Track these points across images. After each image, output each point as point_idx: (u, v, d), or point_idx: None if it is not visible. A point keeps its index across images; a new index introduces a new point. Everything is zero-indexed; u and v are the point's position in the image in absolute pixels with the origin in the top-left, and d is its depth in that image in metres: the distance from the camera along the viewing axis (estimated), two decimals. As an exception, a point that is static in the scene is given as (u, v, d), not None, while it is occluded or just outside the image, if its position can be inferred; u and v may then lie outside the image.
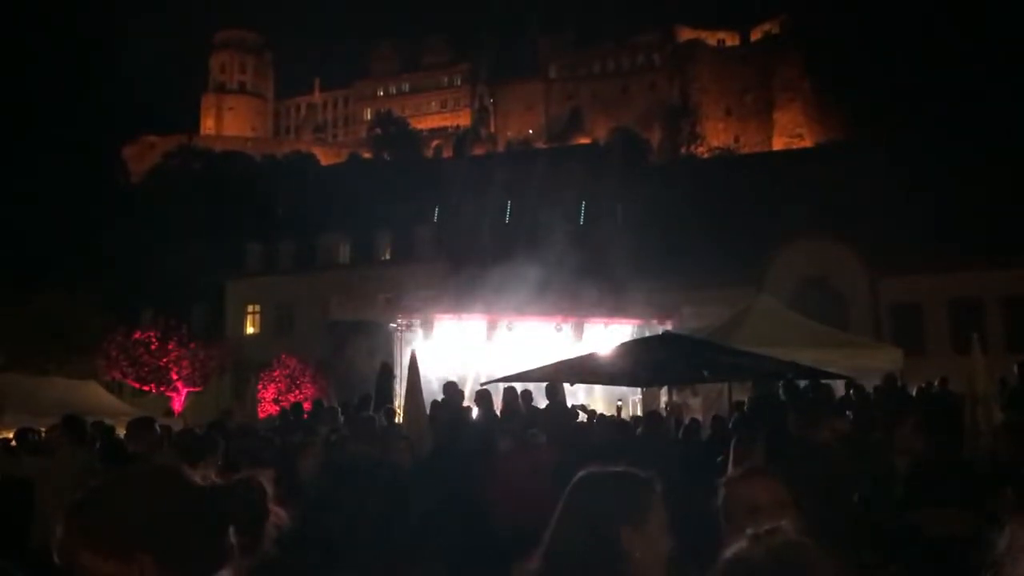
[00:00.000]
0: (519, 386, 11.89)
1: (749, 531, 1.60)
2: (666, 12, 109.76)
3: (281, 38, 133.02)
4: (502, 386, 11.92)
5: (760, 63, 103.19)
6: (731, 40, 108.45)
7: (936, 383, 14.88)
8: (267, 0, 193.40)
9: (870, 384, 13.56)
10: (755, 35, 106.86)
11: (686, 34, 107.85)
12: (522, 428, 9.03)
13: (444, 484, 7.30)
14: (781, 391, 11.20)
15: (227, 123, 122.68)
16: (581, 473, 2.12)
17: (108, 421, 16.02)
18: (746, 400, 12.17)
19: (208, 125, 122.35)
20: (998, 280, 33.06)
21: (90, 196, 77.07)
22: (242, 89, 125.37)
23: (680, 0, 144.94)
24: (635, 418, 13.32)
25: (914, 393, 14.48)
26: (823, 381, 11.46)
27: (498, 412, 11.42)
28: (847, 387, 13.15)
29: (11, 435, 13.67)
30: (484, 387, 11.95)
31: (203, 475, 1.61)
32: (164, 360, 36.14)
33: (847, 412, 10.22)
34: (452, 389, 12.50)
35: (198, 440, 6.86)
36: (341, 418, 12.34)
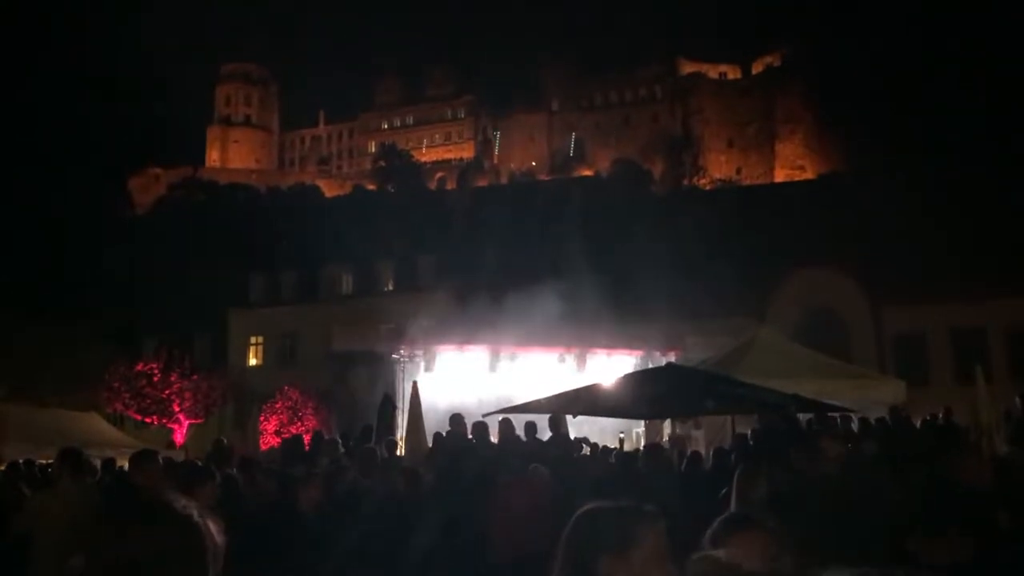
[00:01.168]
0: (523, 417, 11.84)
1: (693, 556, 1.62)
2: (668, 45, 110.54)
3: (286, 71, 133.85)
4: (502, 417, 11.88)
5: (761, 95, 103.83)
6: (733, 73, 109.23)
7: (940, 415, 14.82)
8: (273, 34, 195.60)
9: (874, 416, 13.52)
10: (756, 68, 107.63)
11: (688, 67, 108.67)
12: (524, 461, 8.99)
13: (445, 516, 7.26)
14: (784, 423, 11.14)
15: (232, 155, 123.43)
16: (581, 507, 2.12)
17: (109, 453, 15.99)
18: (749, 432, 12.12)
19: (213, 157, 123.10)
20: (1002, 311, 33.01)
21: (95, 227, 77.45)
22: (247, 122, 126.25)
23: (682, 34, 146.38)
24: (638, 450, 13.27)
25: (919, 424, 14.43)
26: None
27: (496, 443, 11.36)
28: (844, 419, 13.10)
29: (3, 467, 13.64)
30: (485, 419, 11.90)
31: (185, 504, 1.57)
32: (166, 392, 36.06)
33: (848, 444, 10.16)
34: (458, 421, 12.42)
35: (194, 471, 6.83)
36: (342, 450, 12.28)
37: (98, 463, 13.55)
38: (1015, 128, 71.19)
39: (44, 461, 14.07)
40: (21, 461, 13.90)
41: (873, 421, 13.41)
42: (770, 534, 2.59)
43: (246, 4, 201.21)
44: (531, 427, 11.83)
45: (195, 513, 1.55)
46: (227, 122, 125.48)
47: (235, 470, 9.48)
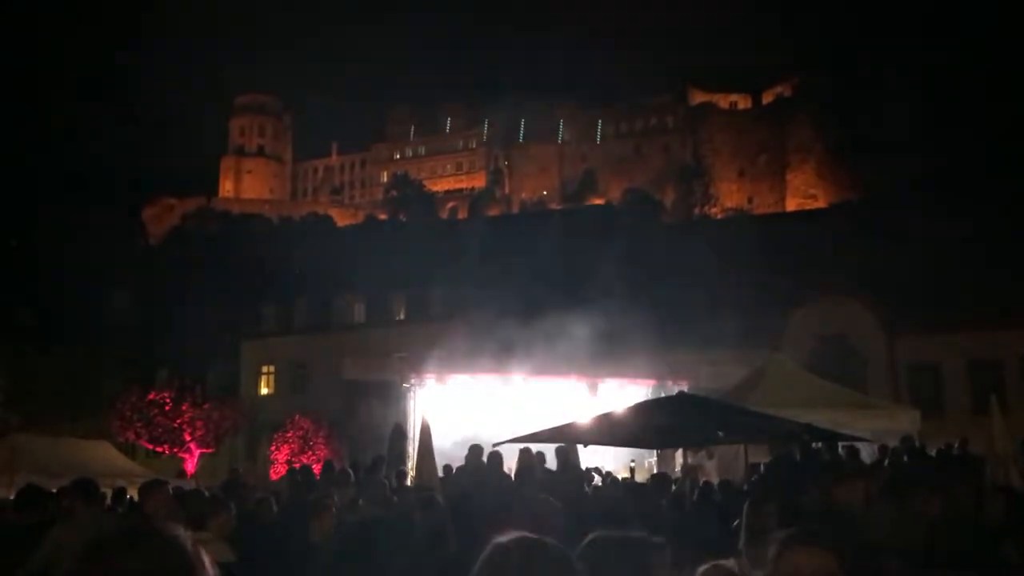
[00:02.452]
0: (534, 447, 11.78)
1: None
2: (678, 75, 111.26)
3: (299, 102, 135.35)
4: (517, 447, 11.81)
5: (772, 125, 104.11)
6: (743, 103, 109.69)
7: (956, 445, 14.66)
8: (286, 65, 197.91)
9: (890, 446, 13.40)
10: (767, 98, 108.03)
11: (698, 97, 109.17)
12: (536, 491, 8.94)
13: (455, 548, 7.21)
14: (797, 453, 11.06)
15: (245, 185, 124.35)
16: (590, 535, 2.10)
17: (120, 483, 15.98)
18: (762, 463, 12.03)
19: (227, 187, 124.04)
20: (1017, 341, 32.74)
21: (109, 256, 77.98)
22: (261, 152, 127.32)
23: (692, 63, 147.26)
24: (649, 480, 13.17)
25: (934, 454, 14.28)
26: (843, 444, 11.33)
27: (512, 474, 11.29)
28: (850, 451, 12.96)
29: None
30: (497, 448, 11.85)
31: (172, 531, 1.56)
32: (178, 421, 36.10)
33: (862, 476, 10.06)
34: (476, 452, 12.33)
35: (209, 502, 6.81)
36: (352, 480, 12.23)
37: (108, 493, 13.52)
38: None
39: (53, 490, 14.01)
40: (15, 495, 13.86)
41: (888, 452, 13.28)
42: (832, 553, 2.53)
43: (260, 36, 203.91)
44: (540, 456, 11.77)
45: (185, 539, 1.54)
46: (241, 152, 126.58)
47: (249, 500, 9.46)
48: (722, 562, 2.11)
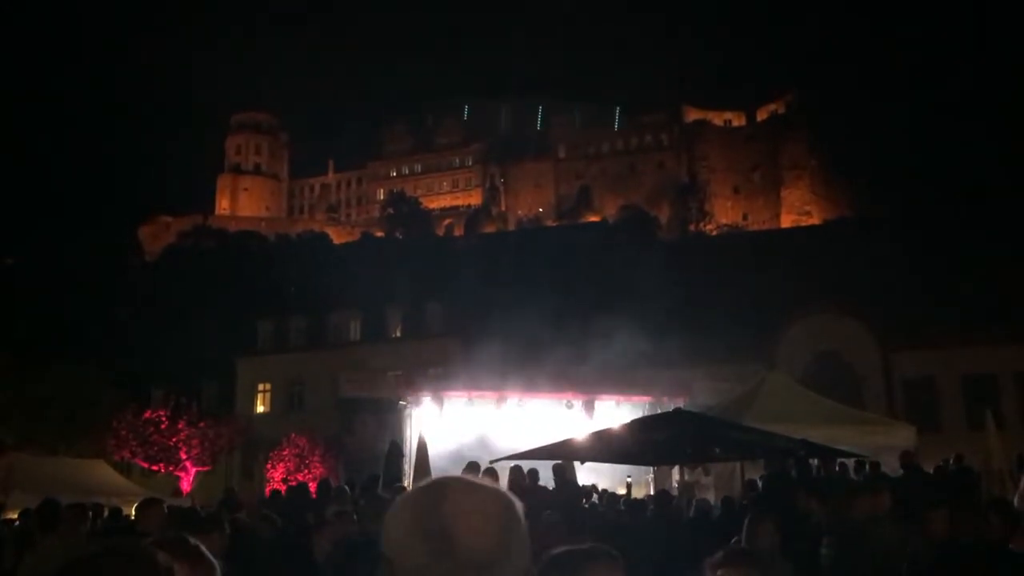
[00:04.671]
0: (526, 464, 11.77)
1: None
2: (673, 93, 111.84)
3: (296, 120, 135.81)
4: (512, 464, 11.82)
5: (767, 142, 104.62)
6: (737, 120, 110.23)
7: (952, 460, 14.66)
8: (282, 83, 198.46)
9: (885, 462, 13.39)
10: (761, 115, 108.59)
11: (693, 114, 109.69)
12: (535, 508, 8.94)
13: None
14: (793, 469, 11.07)
15: (242, 203, 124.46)
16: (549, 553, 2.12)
17: (115, 501, 15.93)
18: (759, 479, 12.03)
19: (223, 205, 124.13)
20: (1012, 356, 32.80)
21: (104, 275, 77.85)
22: (257, 170, 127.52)
23: (687, 81, 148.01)
24: (648, 496, 13.17)
25: (932, 471, 14.28)
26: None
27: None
28: (859, 465, 12.97)
29: (15, 516, 13.59)
30: (493, 465, 11.85)
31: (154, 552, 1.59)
32: (173, 439, 35.99)
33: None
34: (472, 470, 12.33)
35: (202, 520, 6.80)
36: (349, 497, 12.21)
37: (105, 511, 13.48)
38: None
39: (13, 516, 13.98)
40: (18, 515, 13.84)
41: (883, 468, 13.28)
42: (759, 570, 2.63)
43: (256, 55, 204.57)
44: (534, 474, 11.76)
45: (158, 554, 1.57)
46: (237, 170, 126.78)
47: (246, 517, 9.45)
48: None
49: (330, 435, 37.14)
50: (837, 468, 12.17)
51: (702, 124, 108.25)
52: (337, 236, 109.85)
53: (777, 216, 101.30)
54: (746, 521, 5.68)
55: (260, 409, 45.46)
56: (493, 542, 1.37)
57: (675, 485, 13.53)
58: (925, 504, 6.01)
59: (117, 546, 1.58)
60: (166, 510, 8.18)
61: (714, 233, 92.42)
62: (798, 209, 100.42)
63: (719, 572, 2.77)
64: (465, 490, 1.42)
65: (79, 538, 7.76)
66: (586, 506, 11.83)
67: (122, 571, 1.49)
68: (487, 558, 1.36)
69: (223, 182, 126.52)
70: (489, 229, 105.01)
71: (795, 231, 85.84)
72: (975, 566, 4.99)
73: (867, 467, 12.99)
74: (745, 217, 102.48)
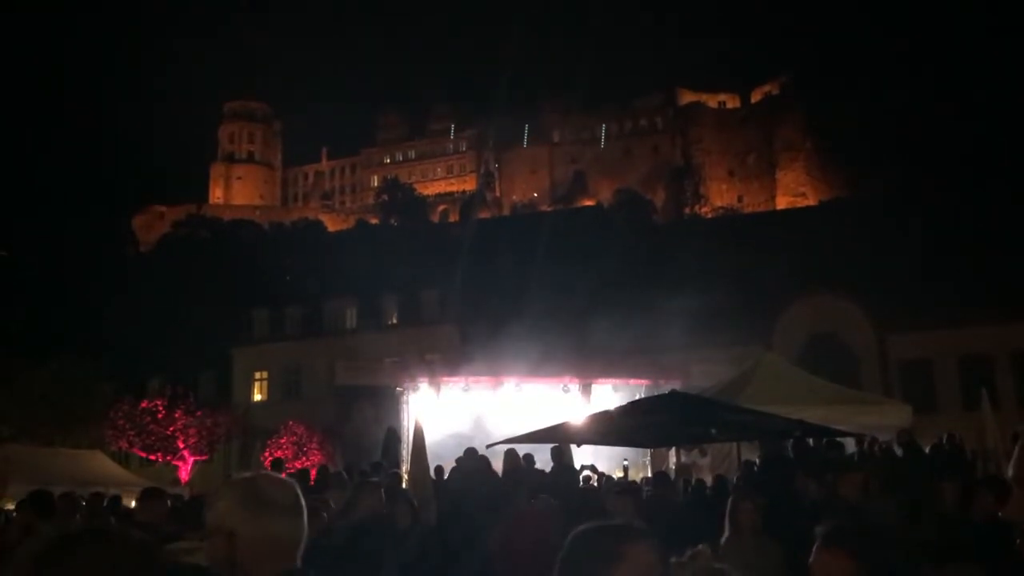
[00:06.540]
0: (522, 448, 11.77)
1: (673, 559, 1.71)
2: (667, 75, 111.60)
3: (289, 108, 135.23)
4: (506, 447, 11.82)
5: (761, 124, 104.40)
6: (732, 102, 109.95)
7: (944, 440, 14.70)
8: (275, 71, 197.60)
9: (881, 441, 13.43)
10: (755, 97, 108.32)
11: (687, 97, 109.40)
12: (531, 492, 8.95)
13: (451, 549, 7.23)
14: (790, 449, 11.10)
15: (236, 192, 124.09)
16: (575, 530, 2.10)
17: (114, 491, 15.94)
18: (756, 459, 12.06)
19: (217, 194, 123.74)
20: (1008, 336, 32.86)
21: (99, 265, 77.68)
22: (251, 158, 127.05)
23: (681, 63, 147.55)
24: (645, 479, 13.19)
25: (928, 450, 14.33)
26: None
27: (500, 474, 11.30)
28: (860, 443, 13.00)
29: (13, 506, 13.56)
30: (490, 449, 11.86)
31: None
32: (171, 429, 35.98)
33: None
34: (471, 455, 12.34)
35: (200, 509, 6.78)
36: (347, 483, 12.21)
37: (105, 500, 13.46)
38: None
39: (10, 507, 13.96)
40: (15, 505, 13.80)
41: (879, 448, 13.32)
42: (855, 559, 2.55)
43: (249, 42, 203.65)
44: (529, 458, 11.76)
45: (148, 541, 1.57)
46: (230, 159, 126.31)
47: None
48: (703, 549, 2.12)
49: (328, 423, 37.18)
50: (828, 448, 12.21)
51: (696, 107, 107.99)
52: (332, 224, 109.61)
53: (772, 198, 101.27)
54: (730, 500, 5.71)
55: (257, 398, 45.50)
56: None
57: (672, 467, 13.57)
58: (935, 478, 6.02)
59: (96, 527, 1.58)
60: (167, 499, 8.17)
61: (709, 216, 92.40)
62: (793, 191, 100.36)
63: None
64: None
65: (73, 526, 7.72)
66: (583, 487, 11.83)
67: (99, 549, 1.49)
68: None
69: (217, 171, 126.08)
70: (484, 215, 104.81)
71: (790, 213, 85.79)
72: (967, 539, 5.00)
73: (866, 445, 13.03)
74: (740, 199, 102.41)
